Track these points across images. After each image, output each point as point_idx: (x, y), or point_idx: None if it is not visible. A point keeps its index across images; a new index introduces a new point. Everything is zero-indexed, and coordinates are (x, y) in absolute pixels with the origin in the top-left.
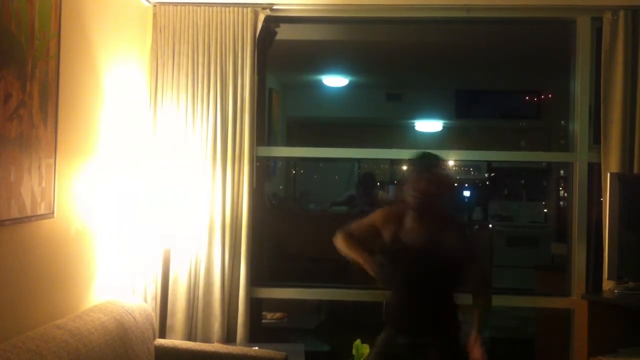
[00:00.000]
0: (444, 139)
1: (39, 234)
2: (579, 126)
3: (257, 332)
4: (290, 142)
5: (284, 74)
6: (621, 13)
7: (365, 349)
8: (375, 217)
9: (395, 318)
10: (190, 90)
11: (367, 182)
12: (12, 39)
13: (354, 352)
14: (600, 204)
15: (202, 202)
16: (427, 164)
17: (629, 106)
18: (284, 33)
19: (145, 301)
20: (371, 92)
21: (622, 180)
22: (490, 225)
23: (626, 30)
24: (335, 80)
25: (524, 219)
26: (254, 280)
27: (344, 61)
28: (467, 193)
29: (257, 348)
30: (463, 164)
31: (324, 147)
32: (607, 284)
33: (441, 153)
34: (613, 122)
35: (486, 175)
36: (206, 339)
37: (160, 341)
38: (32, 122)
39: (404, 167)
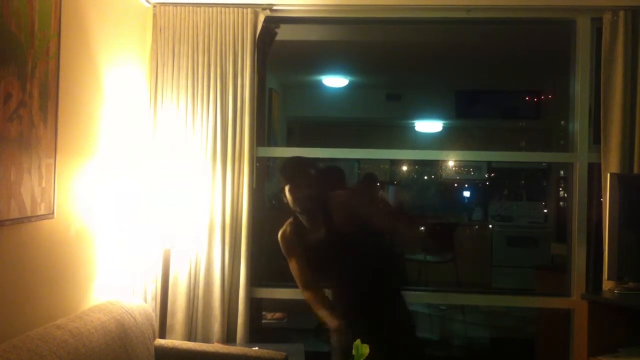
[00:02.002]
0: (443, 139)
1: (39, 235)
2: (579, 126)
3: (257, 332)
4: (290, 142)
5: (284, 74)
6: (621, 13)
7: (365, 349)
8: (286, 243)
9: (345, 311)
10: (190, 90)
11: (370, 181)
12: (12, 39)
13: (354, 352)
14: (600, 204)
15: (202, 202)
16: (291, 169)
17: (629, 106)
18: (283, 33)
19: (145, 301)
20: (371, 92)
21: (622, 180)
22: (490, 226)
23: (626, 30)
24: (335, 81)
25: (524, 219)
26: (254, 280)
27: (343, 61)
28: (467, 193)
29: (257, 348)
30: (463, 165)
31: (324, 147)
32: (607, 284)
33: (441, 153)
34: (613, 122)
35: (486, 175)
36: (206, 339)
37: (160, 341)
38: (32, 122)
39: (403, 168)
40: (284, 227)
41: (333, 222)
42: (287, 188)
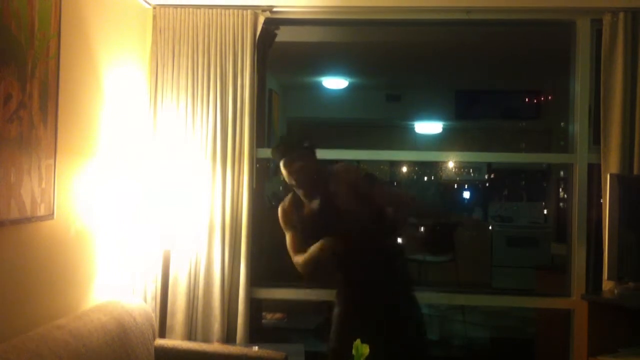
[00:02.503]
0: (443, 140)
1: (39, 235)
2: (578, 127)
3: (257, 332)
4: None
5: (284, 76)
6: (621, 15)
7: (365, 349)
8: (284, 215)
9: (349, 290)
10: (190, 91)
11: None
12: (12, 39)
13: (353, 352)
14: (600, 205)
15: (202, 202)
16: (282, 151)
17: (629, 107)
18: (283, 35)
19: (145, 301)
20: (371, 93)
21: (622, 181)
22: (490, 227)
23: (626, 31)
24: (335, 82)
25: (524, 219)
26: (254, 281)
27: (343, 63)
28: (467, 194)
29: (257, 348)
30: (463, 165)
31: (324, 148)
32: (607, 284)
33: (441, 154)
34: (613, 123)
35: (486, 176)
36: (206, 339)
37: (160, 341)
38: (32, 123)
39: (403, 169)
40: (283, 201)
41: (328, 192)
42: (281, 163)
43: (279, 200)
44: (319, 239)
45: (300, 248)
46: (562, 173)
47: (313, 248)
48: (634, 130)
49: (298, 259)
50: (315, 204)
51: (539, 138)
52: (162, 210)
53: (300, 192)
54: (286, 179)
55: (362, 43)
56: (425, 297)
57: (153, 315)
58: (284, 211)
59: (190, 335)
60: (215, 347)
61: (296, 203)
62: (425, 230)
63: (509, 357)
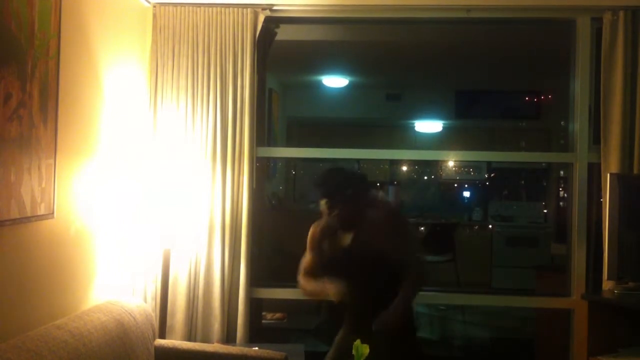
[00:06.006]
0: (443, 139)
1: (39, 235)
2: (578, 126)
3: (257, 332)
4: (290, 142)
5: (284, 75)
6: (621, 13)
7: (365, 349)
8: (312, 238)
9: (351, 319)
10: (190, 90)
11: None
12: (12, 39)
13: (353, 352)
14: (600, 204)
15: (202, 202)
16: (334, 182)
17: (629, 106)
18: (283, 33)
19: (145, 301)
20: (371, 92)
21: (622, 180)
22: (490, 226)
23: (626, 30)
24: (335, 81)
25: (523, 219)
26: (253, 281)
27: (343, 61)
28: (467, 193)
29: (257, 348)
30: (463, 165)
31: (324, 147)
32: (607, 284)
33: (441, 153)
34: (613, 122)
35: (486, 175)
36: (206, 339)
37: (160, 341)
38: (32, 122)
39: (403, 168)
40: (318, 222)
41: (361, 237)
42: (323, 202)
43: (279, 200)
44: (335, 274)
45: (313, 273)
46: (562, 172)
47: (322, 288)
48: (634, 130)
49: (305, 283)
50: (348, 239)
51: (538, 137)
52: (162, 210)
53: (338, 226)
54: (323, 210)
55: (362, 42)
56: (426, 297)
57: (153, 315)
58: (314, 235)
59: (190, 335)
60: (215, 347)
61: (329, 230)
62: (424, 229)
63: (509, 357)
